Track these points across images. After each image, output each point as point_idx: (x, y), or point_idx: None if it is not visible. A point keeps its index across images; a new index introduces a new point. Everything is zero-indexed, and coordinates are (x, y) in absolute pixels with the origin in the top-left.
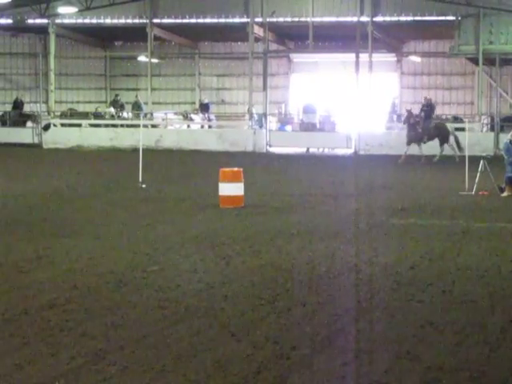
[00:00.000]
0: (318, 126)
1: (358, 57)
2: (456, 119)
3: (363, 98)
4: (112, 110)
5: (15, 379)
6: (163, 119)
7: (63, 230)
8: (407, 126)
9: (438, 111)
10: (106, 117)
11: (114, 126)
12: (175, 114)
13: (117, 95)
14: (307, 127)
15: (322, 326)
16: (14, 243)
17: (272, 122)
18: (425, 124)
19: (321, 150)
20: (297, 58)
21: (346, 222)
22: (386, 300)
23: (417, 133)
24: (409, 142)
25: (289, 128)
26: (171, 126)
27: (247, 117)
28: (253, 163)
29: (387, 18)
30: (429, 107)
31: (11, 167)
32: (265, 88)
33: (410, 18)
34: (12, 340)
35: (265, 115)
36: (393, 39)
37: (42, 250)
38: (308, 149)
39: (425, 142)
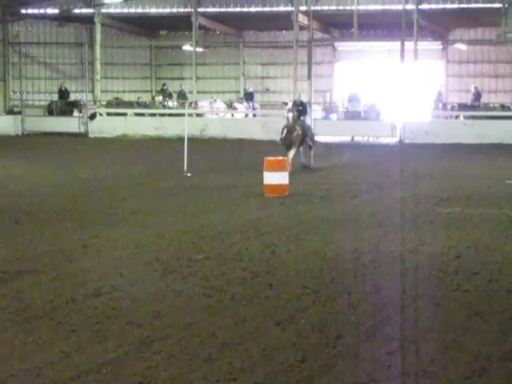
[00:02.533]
0: (362, 114)
1: (403, 45)
2: (503, 107)
3: (408, 87)
4: (161, 98)
5: (62, 367)
6: (211, 102)
7: (109, 219)
8: None
9: (485, 99)
10: (155, 106)
11: (159, 115)
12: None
13: (164, 84)
14: (352, 116)
15: (367, 314)
16: (61, 232)
17: (317, 111)
18: None
19: (365, 138)
20: (341, 46)
21: (391, 211)
22: (432, 289)
23: None
24: None
25: (333, 117)
26: (216, 115)
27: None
28: (297, 152)
29: (433, 6)
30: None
31: (58, 156)
32: (309, 77)
33: (455, 6)
34: (59, 328)
35: (309, 104)
36: (438, 27)
37: (89, 239)
38: (353, 137)
39: None
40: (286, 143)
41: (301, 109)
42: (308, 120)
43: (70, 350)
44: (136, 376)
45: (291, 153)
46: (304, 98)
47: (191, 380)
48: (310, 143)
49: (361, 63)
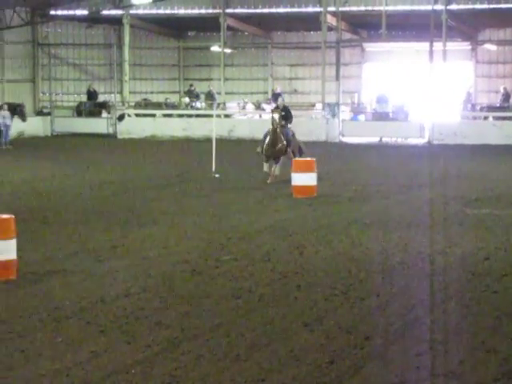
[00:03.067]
0: (391, 115)
1: (431, 45)
2: None
3: (437, 88)
4: (187, 99)
5: (92, 367)
6: (239, 103)
7: (138, 220)
8: None
9: None
10: (181, 107)
11: (187, 116)
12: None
13: (191, 85)
14: (380, 117)
15: (395, 316)
16: (90, 232)
17: (345, 112)
18: None
19: (394, 139)
20: (370, 47)
21: (420, 212)
22: (461, 291)
23: None
24: None
25: (362, 117)
26: (244, 116)
27: (320, 106)
28: (326, 153)
29: (462, 6)
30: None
31: (86, 157)
32: (337, 77)
33: (485, 6)
34: (88, 328)
35: (338, 105)
36: (467, 27)
37: (117, 239)
38: (381, 138)
39: None
40: (268, 154)
41: (283, 114)
42: (291, 128)
43: (100, 350)
44: (165, 376)
45: (278, 166)
46: (331, 99)
47: (219, 380)
48: (291, 156)
49: (389, 64)
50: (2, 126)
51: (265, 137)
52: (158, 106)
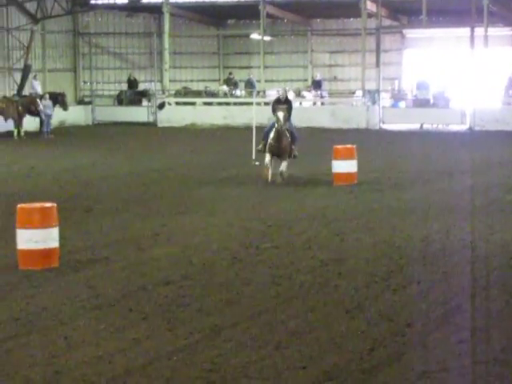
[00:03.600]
0: (431, 101)
1: (473, 31)
2: None
3: (478, 74)
4: (225, 88)
5: (134, 354)
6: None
7: (179, 208)
8: None
9: None
10: (220, 95)
11: (227, 104)
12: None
13: (230, 73)
14: (421, 103)
15: (437, 303)
16: (131, 220)
17: (385, 99)
18: None
19: (435, 126)
20: (410, 33)
21: (462, 199)
22: (502, 277)
23: None
24: None
25: (402, 104)
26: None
27: (360, 93)
28: (366, 140)
29: None
30: None
31: (127, 146)
32: (378, 64)
33: None
34: (130, 315)
35: (378, 92)
36: (509, 12)
37: (159, 227)
38: (422, 125)
39: None
40: (273, 150)
41: (287, 108)
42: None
43: (142, 337)
44: (206, 363)
45: (285, 164)
46: (372, 86)
47: (261, 368)
48: (295, 153)
49: (430, 50)
50: (43, 115)
51: (267, 133)
52: (198, 94)
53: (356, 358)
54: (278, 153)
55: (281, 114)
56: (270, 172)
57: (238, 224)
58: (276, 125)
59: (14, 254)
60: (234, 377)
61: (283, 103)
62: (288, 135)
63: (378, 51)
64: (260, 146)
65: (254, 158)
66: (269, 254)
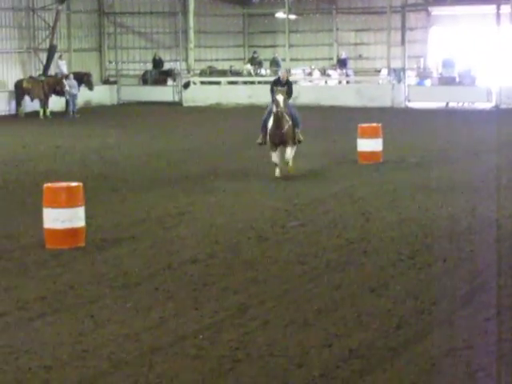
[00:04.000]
0: (457, 79)
1: (498, 8)
2: None
3: (504, 51)
4: (250, 67)
5: (160, 332)
6: (304, 69)
7: (204, 187)
8: None
9: None
10: (244, 74)
11: (251, 83)
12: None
13: (255, 52)
14: (446, 81)
15: (463, 281)
16: (157, 200)
17: (410, 77)
18: None
19: (460, 104)
20: (435, 11)
21: (487, 177)
22: None
23: None
24: None
25: (428, 82)
26: (309, 83)
27: (385, 72)
28: (391, 118)
29: None
30: None
31: (153, 125)
32: (403, 42)
33: None
34: (157, 294)
35: (403, 70)
36: None
37: (184, 206)
38: (447, 103)
39: None
40: (275, 141)
41: (287, 90)
42: (292, 104)
43: (168, 316)
44: (232, 342)
45: (290, 151)
46: (397, 64)
47: (287, 346)
48: (299, 137)
49: (455, 28)
50: (68, 95)
51: (265, 121)
52: (223, 73)
53: (382, 336)
54: (281, 140)
55: (280, 97)
56: (277, 169)
57: (263, 203)
58: (274, 109)
59: (42, 233)
60: (259, 355)
61: (283, 84)
62: (289, 119)
63: (403, 29)
64: (259, 139)
65: None
66: (294, 233)
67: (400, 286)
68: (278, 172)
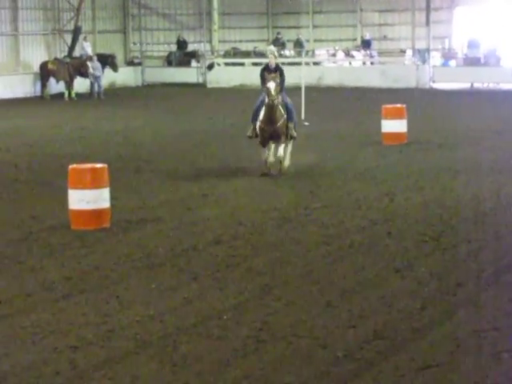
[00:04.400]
0: (482, 60)
1: None
2: None
3: None
4: (273, 48)
5: (184, 313)
6: (328, 50)
7: (228, 168)
8: None
9: None
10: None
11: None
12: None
13: (278, 33)
14: (471, 62)
15: (487, 262)
16: (181, 181)
17: (435, 58)
18: None
19: (485, 84)
20: None
21: None
22: None
23: None
24: None
25: (452, 63)
26: (333, 64)
27: (410, 52)
28: (416, 99)
29: None
30: None
31: (177, 107)
32: (427, 23)
33: None
34: (181, 275)
35: (428, 50)
36: None
37: (208, 188)
38: (472, 84)
39: None
40: (265, 136)
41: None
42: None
43: (192, 297)
44: (256, 322)
45: (280, 149)
46: (422, 45)
47: (310, 326)
48: (293, 133)
49: (481, 8)
50: (92, 77)
51: (256, 111)
52: (247, 54)
53: (406, 317)
54: (272, 135)
55: (272, 85)
56: (267, 167)
57: (287, 184)
58: (266, 99)
59: (67, 214)
60: (283, 335)
61: (273, 71)
62: (283, 111)
63: (428, 9)
64: (249, 131)
65: (303, 118)
66: (318, 214)
67: (424, 267)
68: (266, 169)
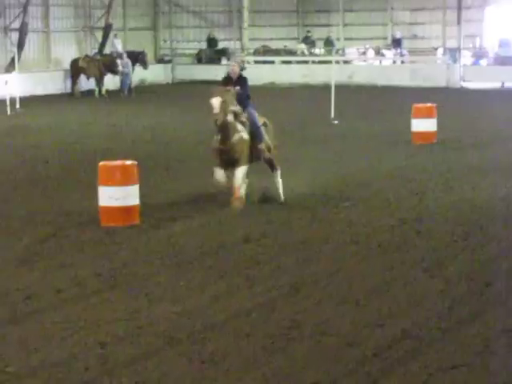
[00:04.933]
0: None
1: None
2: None
3: None
4: (303, 46)
5: (213, 310)
6: (358, 49)
7: (256, 166)
8: None
9: None
10: (298, 53)
11: (306, 62)
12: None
13: (308, 31)
14: (503, 61)
15: None
16: (210, 179)
17: (466, 57)
18: None
19: None
20: None
21: None
22: None
23: None
24: None
25: (483, 62)
26: (363, 62)
27: (440, 51)
28: (446, 99)
29: None
30: None
31: (207, 104)
32: (459, 21)
33: None
34: (209, 272)
35: (459, 49)
36: None
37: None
38: (503, 83)
39: None
40: (223, 158)
41: (238, 90)
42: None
43: (220, 294)
44: (285, 320)
45: (239, 174)
46: (452, 44)
47: (339, 325)
48: (266, 155)
49: None
50: (122, 74)
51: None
52: (277, 52)
53: (434, 317)
54: (229, 160)
55: (215, 101)
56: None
57: (316, 183)
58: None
59: (97, 211)
60: (312, 334)
61: (234, 82)
62: (241, 129)
63: (459, 8)
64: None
65: (332, 116)
66: (347, 213)
67: (453, 267)
68: (229, 194)
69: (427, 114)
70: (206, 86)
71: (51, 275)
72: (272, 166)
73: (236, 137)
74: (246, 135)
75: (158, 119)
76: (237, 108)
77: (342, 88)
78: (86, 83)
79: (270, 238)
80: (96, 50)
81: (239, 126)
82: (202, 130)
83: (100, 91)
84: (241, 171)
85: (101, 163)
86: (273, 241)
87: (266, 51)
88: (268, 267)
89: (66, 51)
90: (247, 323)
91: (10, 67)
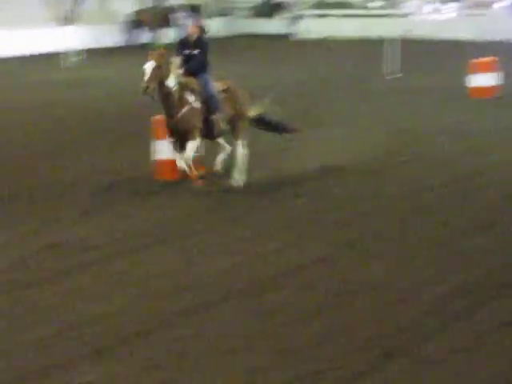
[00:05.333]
0: None
1: None
2: None
3: None
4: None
5: (271, 263)
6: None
7: (315, 120)
8: None
9: None
10: (355, 7)
11: (362, 16)
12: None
13: None
14: None
15: None
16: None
17: None
18: None
19: None
20: None
21: None
22: None
23: None
24: None
25: None
26: (422, 16)
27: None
28: (508, 52)
29: None
30: None
31: (263, 58)
32: None
33: None
34: (270, 224)
35: None
36: None
37: (287, 142)
38: None
39: None
40: (172, 133)
41: (195, 53)
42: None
43: (281, 247)
44: (345, 274)
45: (189, 150)
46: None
47: (394, 281)
48: (221, 128)
49: None
50: (180, 27)
51: None
52: (335, 6)
53: (489, 275)
54: (178, 135)
55: (148, 66)
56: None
57: (371, 138)
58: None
59: (151, 165)
60: (368, 289)
61: (192, 46)
62: (192, 99)
63: None
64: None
65: (389, 71)
66: (404, 168)
67: (507, 225)
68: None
69: (488, 68)
70: (263, 40)
71: (109, 226)
72: (235, 134)
73: (185, 109)
74: (196, 104)
75: (217, 73)
76: (182, 75)
77: (399, 42)
78: (144, 36)
79: (325, 192)
80: (154, 3)
81: (189, 96)
82: (257, 84)
83: (158, 44)
84: (191, 147)
85: (155, 117)
86: (329, 195)
87: (323, 5)
88: (324, 222)
89: (124, 4)
90: (308, 275)
91: (69, 20)
